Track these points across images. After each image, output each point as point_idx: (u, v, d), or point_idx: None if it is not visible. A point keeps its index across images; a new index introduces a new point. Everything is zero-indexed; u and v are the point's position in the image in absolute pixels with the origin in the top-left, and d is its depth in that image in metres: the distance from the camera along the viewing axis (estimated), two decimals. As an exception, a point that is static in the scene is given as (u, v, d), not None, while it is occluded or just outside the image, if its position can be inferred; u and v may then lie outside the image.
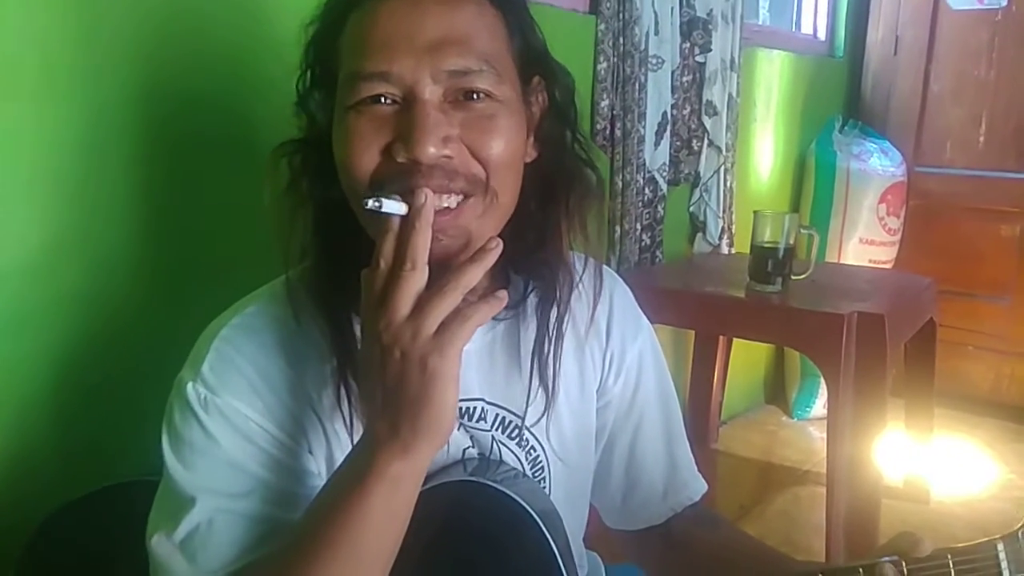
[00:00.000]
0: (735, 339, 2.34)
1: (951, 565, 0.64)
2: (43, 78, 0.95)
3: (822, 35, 2.87)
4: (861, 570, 0.65)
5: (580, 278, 0.76)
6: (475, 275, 0.59)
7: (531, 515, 0.70)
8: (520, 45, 0.68)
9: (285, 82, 0.70)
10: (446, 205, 0.63)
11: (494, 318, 0.71)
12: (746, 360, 2.62)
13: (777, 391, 2.85)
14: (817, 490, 2.12)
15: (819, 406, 2.64)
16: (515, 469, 0.77)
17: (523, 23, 0.69)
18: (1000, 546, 0.65)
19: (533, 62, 0.69)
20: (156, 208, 1.07)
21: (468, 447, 0.76)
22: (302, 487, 0.69)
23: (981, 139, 2.73)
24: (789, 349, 2.69)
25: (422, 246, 0.58)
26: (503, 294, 0.60)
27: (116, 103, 1.00)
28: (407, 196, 0.60)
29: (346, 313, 0.69)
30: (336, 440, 0.71)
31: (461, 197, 0.63)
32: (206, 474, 0.66)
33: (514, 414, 0.77)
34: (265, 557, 0.65)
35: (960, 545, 0.65)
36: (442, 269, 0.60)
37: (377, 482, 0.59)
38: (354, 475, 0.60)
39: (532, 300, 0.75)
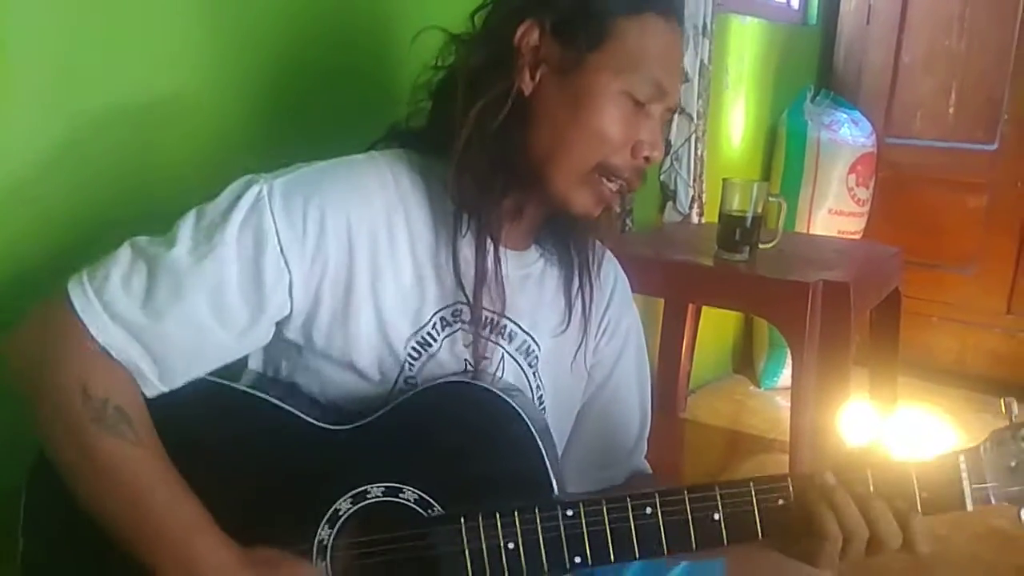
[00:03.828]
0: (704, 308, 2.35)
1: (915, 480, 0.70)
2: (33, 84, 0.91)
3: (795, 2, 2.85)
4: (790, 481, 0.71)
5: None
6: None
7: (522, 417, 0.74)
8: None
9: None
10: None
11: (541, 253, 0.87)
12: (715, 329, 2.63)
13: (745, 360, 2.86)
14: (783, 458, 2.13)
15: (786, 375, 2.66)
16: (516, 387, 0.83)
17: None
18: (961, 459, 0.70)
19: None
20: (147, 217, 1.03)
21: (499, 360, 0.83)
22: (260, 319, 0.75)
23: (951, 110, 2.73)
24: (758, 319, 2.71)
25: None
26: None
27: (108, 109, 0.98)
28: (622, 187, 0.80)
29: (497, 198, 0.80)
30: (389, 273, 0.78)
31: None
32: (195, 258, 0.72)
33: (537, 344, 0.85)
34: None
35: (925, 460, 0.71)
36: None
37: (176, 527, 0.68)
38: (182, 521, 0.68)
39: (550, 251, 0.88)
